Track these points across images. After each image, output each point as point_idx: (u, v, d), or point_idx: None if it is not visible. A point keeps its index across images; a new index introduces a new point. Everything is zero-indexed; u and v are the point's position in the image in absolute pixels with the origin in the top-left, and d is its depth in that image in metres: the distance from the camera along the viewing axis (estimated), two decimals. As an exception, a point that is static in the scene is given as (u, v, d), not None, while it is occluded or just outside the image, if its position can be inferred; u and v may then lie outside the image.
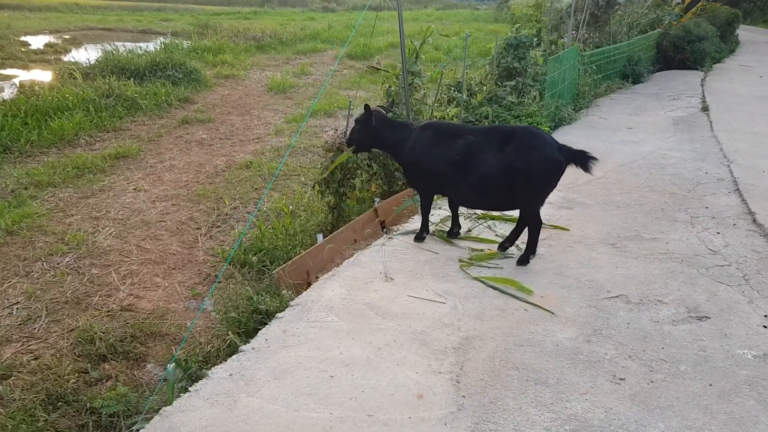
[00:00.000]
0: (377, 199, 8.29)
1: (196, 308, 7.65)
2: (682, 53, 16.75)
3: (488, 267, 5.31)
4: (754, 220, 6.43)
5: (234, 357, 4.02)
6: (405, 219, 6.84)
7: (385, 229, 8.24)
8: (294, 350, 4.07)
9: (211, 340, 6.09)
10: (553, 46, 12.71)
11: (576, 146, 5.10)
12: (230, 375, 3.81)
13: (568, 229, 6.13)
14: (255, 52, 21.32)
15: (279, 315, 4.51)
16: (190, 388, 3.69)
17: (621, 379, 3.84)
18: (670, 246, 5.78)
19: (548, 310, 4.61)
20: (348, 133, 8.35)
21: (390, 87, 9.00)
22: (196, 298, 7.66)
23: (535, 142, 5.02)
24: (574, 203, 6.75)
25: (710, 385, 3.82)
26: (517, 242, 5.65)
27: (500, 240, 5.81)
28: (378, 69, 10.33)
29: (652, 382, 3.83)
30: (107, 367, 5.89)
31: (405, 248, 5.67)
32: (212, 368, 3.91)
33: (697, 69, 16.40)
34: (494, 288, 4.94)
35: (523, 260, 5.37)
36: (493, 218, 6.32)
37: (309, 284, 7.54)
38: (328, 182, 8.24)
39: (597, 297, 4.83)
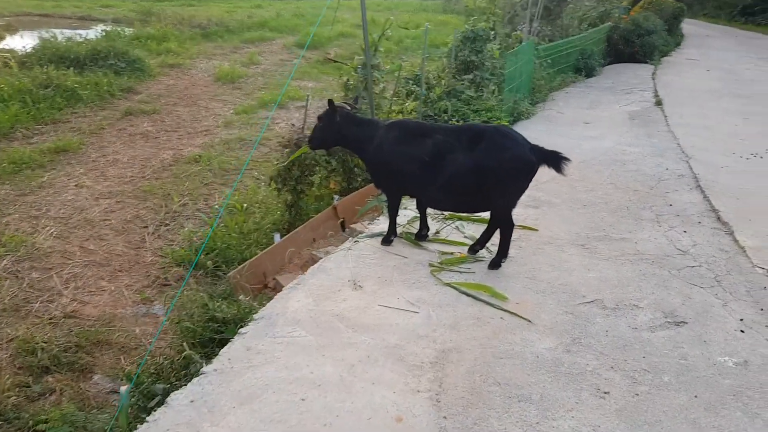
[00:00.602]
0: (336, 197, 8.04)
1: (146, 314, 7.29)
2: (632, 47, 16.91)
3: (460, 272, 5.12)
4: (718, 218, 6.41)
5: (195, 381, 3.72)
6: (370, 219, 6.58)
7: (345, 229, 8.01)
8: (260, 370, 3.79)
9: (165, 351, 5.75)
10: (509, 40, 12.60)
11: (536, 142, 4.96)
12: (191, 401, 3.51)
13: (537, 230, 5.99)
14: (201, 41, 20.67)
15: (242, 331, 4.21)
16: (147, 418, 3.38)
17: (605, 393, 3.70)
18: (639, 246, 5.69)
19: (525, 318, 4.44)
20: (304, 128, 8.10)
21: (348, 80, 8.71)
22: (145, 302, 7.29)
23: (507, 142, 4.84)
24: (540, 202, 6.62)
25: (695, 396, 3.71)
26: (487, 245, 5.47)
27: (470, 242, 5.62)
28: (335, 61, 10.04)
29: (637, 395, 3.69)
30: (51, 380, 5.51)
31: (372, 252, 5.43)
32: (172, 394, 3.59)
33: (646, 62, 16.58)
34: (468, 295, 4.74)
35: (495, 264, 5.19)
36: (460, 218, 6.13)
37: (266, 286, 7.28)
38: (285, 179, 7.93)
39: (572, 302, 4.69)
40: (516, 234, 5.79)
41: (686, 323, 4.47)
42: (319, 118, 5.49)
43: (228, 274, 6.99)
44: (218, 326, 5.13)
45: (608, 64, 16.29)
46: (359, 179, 8.52)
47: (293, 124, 8.23)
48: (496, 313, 4.50)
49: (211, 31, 22.88)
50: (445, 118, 9.64)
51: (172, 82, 15.89)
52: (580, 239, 5.81)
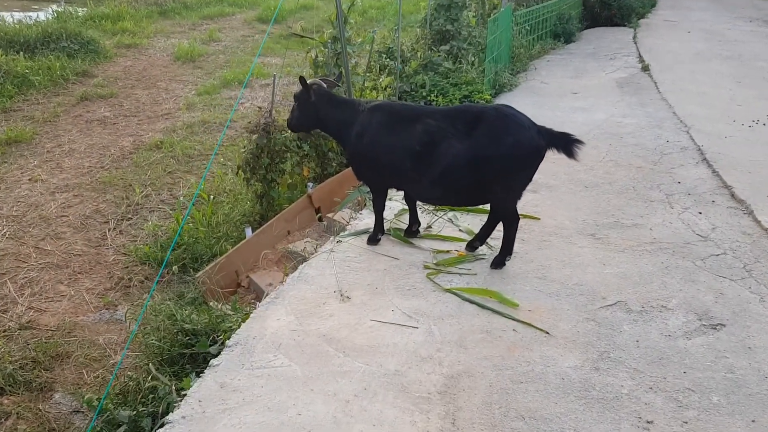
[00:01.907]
0: (311, 184, 7.42)
1: (110, 320, 6.63)
2: (609, 9, 16.26)
3: (459, 273, 4.49)
4: (733, 195, 5.86)
5: (159, 434, 3.05)
6: (351, 212, 5.91)
7: (322, 219, 7.37)
8: (238, 414, 3.13)
9: (131, 365, 5.16)
10: (486, 6, 11.89)
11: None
12: (154, 466, 2.85)
13: (539, 218, 5.38)
14: (158, 18, 19.57)
15: (214, 362, 3.52)
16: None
17: (649, 423, 3.12)
18: (654, 233, 5.11)
19: (541, 330, 3.83)
20: (272, 110, 7.38)
21: (317, 56, 7.96)
22: (109, 307, 6.61)
23: (510, 125, 4.19)
24: (538, 185, 5.99)
25: (753, 421, 3.14)
26: (488, 240, 4.84)
27: (466, 236, 5.00)
28: (301, 36, 9.27)
29: (686, 423, 3.12)
30: (6, 402, 4.95)
31: (358, 254, 4.76)
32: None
33: (624, 25, 15.96)
34: (472, 302, 4.12)
35: (499, 263, 4.58)
36: (452, 209, 5.48)
37: (239, 285, 6.65)
38: (254, 167, 7.24)
39: (592, 306, 4.09)
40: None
41: (724, 326, 3.90)
42: (295, 97, 4.84)
43: (197, 276, 6.39)
44: (188, 339, 4.54)
45: (585, 28, 15.65)
46: (334, 164, 7.88)
47: (260, 107, 7.48)
48: (508, 324, 3.89)
49: (168, 8, 21.76)
50: (423, 93, 8.96)
51: (129, 63, 14.94)
52: (589, 227, 5.21)
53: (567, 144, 4.22)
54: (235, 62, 15.11)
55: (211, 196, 8.13)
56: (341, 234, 5.11)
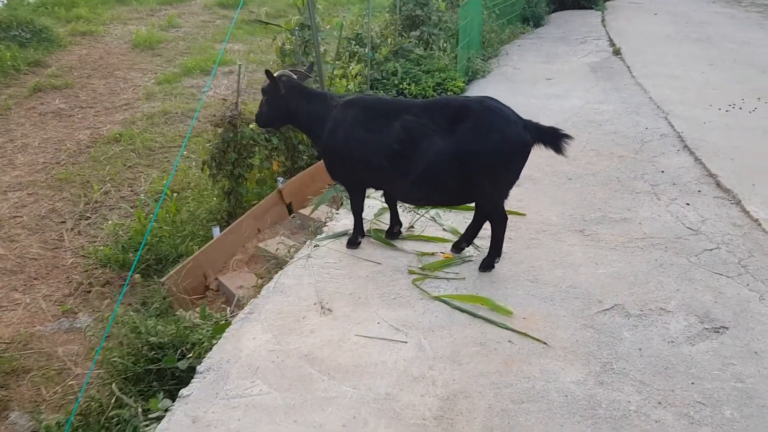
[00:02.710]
0: (281, 179, 7.11)
1: (70, 329, 6.27)
2: (576, -8, 16.12)
3: (446, 278, 4.22)
4: (718, 185, 5.70)
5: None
6: (328, 210, 5.59)
7: (294, 215, 7.07)
8: (214, 453, 2.82)
9: (94, 381, 4.82)
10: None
11: None
12: None
13: (525, 214, 5.14)
14: (114, 4, 18.83)
15: (185, 392, 3.19)
16: None
17: (662, 443, 2.89)
18: (644, 228, 4.91)
19: (539, 340, 3.59)
20: (238, 102, 7.01)
21: (284, 44, 7.57)
22: (68, 315, 6.27)
23: (495, 120, 3.91)
24: (521, 178, 5.59)
25: (770, 437, 2.94)
26: (475, 240, 4.58)
27: (450, 236, 4.74)
28: (265, 23, 8.87)
29: (701, 441, 2.90)
30: None
31: (337, 259, 4.46)
32: None
33: (591, 8, 15.79)
34: (462, 311, 3.85)
35: (487, 265, 4.32)
36: (434, 206, 5.20)
37: (208, 288, 6.33)
38: (220, 163, 6.88)
39: (589, 311, 3.86)
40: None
41: (727, 329, 3.71)
42: (263, 91, 4.50)
43: (162, 280, 6.05)
44: (154, 354, 4.22)
45: (553, 11, 15.43)
46: (305, 157, 7.56)
47: (225, 99, 7.10)
48: (502, 335, 3.64)
49: (124, -7, 21.08)
50: (395, 81, 8.64)
51: (84, 51, 14.32)
52: (577, 223, 4.99)
53: (555, 139, 3.96)
54: (195, 49, 14.63)
55: (175, 194, 7.74)
56: (318, 237, 4.79)
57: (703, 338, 3.62)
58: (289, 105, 4.42)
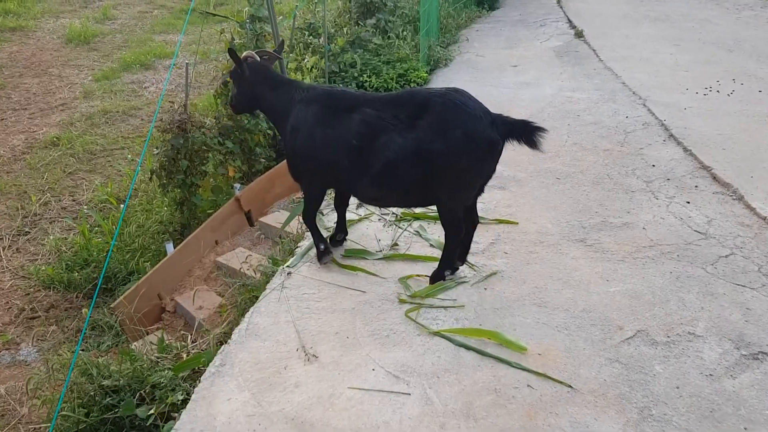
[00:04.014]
0: (238, 186, 6.49)
1: (12, 363, 5.65)
2: (527, -28, 15.70)
3: (443, 306, 3.69)
4: (715, 178, 5.31)
5: None
6: (299, 225, 4.99)
7: (254, 223, 6.50)
8: None
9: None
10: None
11: None
12: None
13: (516, 222, 4.64)
14: (44, -3, 17.75)
15: (149, 485, 2.59)
16: None
17: None
18: (650, 233, 4.47)
19: (562, 382, 3.09)
20: (186, 104, 6.37)
21: (233, 39, 6.89)
22: (9, 346, 5.57)
23: (459, 115, 3.43)
24: (505, 179, 5.26)
25: None
26: (466, 254, 4.07)
27: (439, 253, 4.20)
28: (214, 14, 8.18)
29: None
30: None
31: (316, 289, 3.88)
32: None
33: (544, -12, 15.44)
34: (469, 348, 3.33)
35: (437, 276, 3.91)
36: (418, 217, 4.67)
37: (164, 310, 5.77)
38: (171, 172, 6.21)
39: (611, 341, 3.39)
40: (493, 233, 4.44)
41: (766, 354, 3.28)
42: (230, 75, 4.21)
43: (113, 305, 5.44)
44: (109, 400, 3.66)
45: (505, -8, 15.00)
46: (262, 159, 6.94)
47: (172, 102, 6.40)
48: (519, 378, 3.13)
49: (54, -16, 19.83)
50: (354, 73, 8.04)
51: (15, 48, 13.30)
52: (576, 231, 4.52)
53: (527, 133, 3.48)
54: (134, 42, 13.76)
55: (122, 206, 7.02)
56: (290, 261, 4.19)
57: (744, 368, 3.19)
58: (254, 89, 4.07)
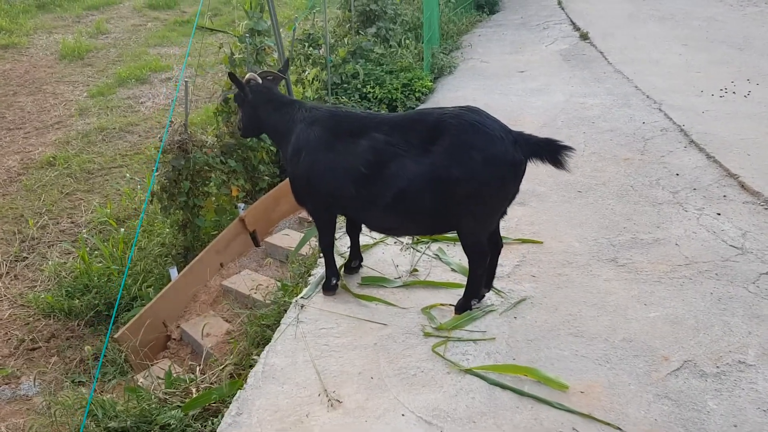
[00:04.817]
0: (242, 205, 6.26)
1: (12, 398, 5.46)
2: (525, -26, 15.50)
3: (472, 339, 3.43)
4: (743, 186, 5.08)
5: None
6: (287, 231, 4.73)
7: (260, 243, 6.28)
8: None
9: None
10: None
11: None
12: None
13: (541, 242, 4.39)
14: (36, 13, 17.43)
15: None
16: None
17: None
18: (683, 250, 4.23)
19: (610, 425, 2.83)
20: (186, 123, 6.14)
21: (233, 54, 6.65)
22: (9, 381, 5.29)
23: (478, 137, 3.20)
24: (526, 194, 5.01)
25: None
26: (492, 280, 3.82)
27: (462, 278, 3.96)
28: (211, 29, 7.95)
29: None
30: None
31: (334, 323, 3.62)
32: None
33: (542, -11, 15.23)
34: (504, 387, 3.08)
35: (463, 307, 3.65)
36: (435, 239, 4.42)
37: (169, 338, 5.57)
38: (172, 194, 5.98)
39: (657, 374, 3.14)
40: (518, 254, 4.20)
41: (827, 384, 3.04)
42: (234, 100, 4.12)
43: (116, 336, 5.22)
44: None
45: (504, -5, 14.78)
46: (266, 177, 6.70)
47: (172, 122, 6.15)
48: (562, 420, 2.87)
49: (46, 0, 19.60)
50: (357, 84, 7.81)
51: (8, 66, 13.09)
52: (605, 250, 4.27)
53: (553, 153, 3.28)
54: (128, 56, 13.55)
55: (122, 229, 6.77)
56: (304, 292, 3.94)
57: (804, 401, 2.94)
58: (258, 112, 3.88)
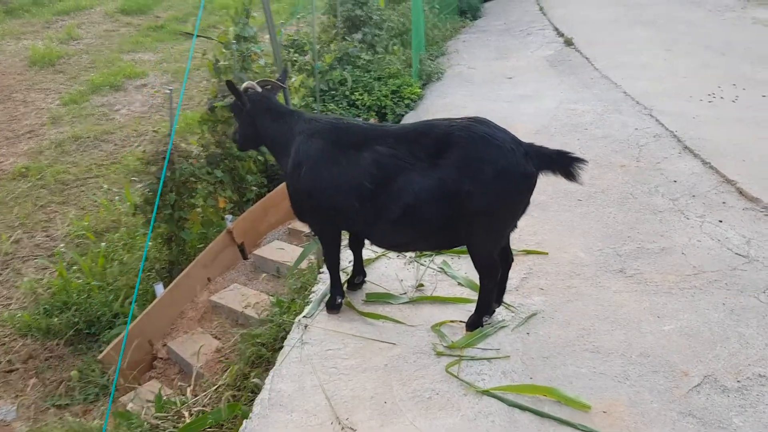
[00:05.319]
0: (229, 217, 6.09)
1: None
2: (504, -21, 15.48)
3: (486, 358, 3.32)
4: (741, 192, 5.04)
5: None
6: (303, 269, 4.58)
7: (248, 256, 6.13)
8: None
9: None
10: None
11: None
12: None
13: (546, 252, 4.31)
14: (3, 18, 17.03)
15: None
16: None
17: None
18: (690, 259, 4.17)
19: (636, 446, 2.74)
20: (172, 134, 5.96)
21: (218, 61, 6.48)
22: (-14, 404, 5.06)
23: (488, 149, 3.10)
24: (525, 203, 4.92)
25: None
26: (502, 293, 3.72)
27: (470, 293, 3.87)
28: (192, 34, 7.76)
29: None
30: None
31: (341, 343, 3.49)
32: None
33: (523, -5, 15.23)
34: (523, 408, 2.97)
35: (474, 323, 3.54)
36: (440, 252, 4.30)
37: (156, 357, 5.40)
38: (157, 207, 5.77)
39: (678, 391, 3.05)
40: (525, 266, 4.10)
41: None
42: (231, 109, 4.00)
43: (100, 357, 5.05)
44: None
45: (486, 0, 14.71)
46: (254, 188, 6.55)
47: (155, 131, 5.97)
48: (587, 442, 2.78)
49: (14, 5, 19.13)
50: (345, 92, 7.68)
51: (-25, 74, 12.83)
52: (612, 260, 4.19)
53: (564, 165, 3.22)
54: (101, 62, 13.23)
55: (103, 243, 6.56)
56: (306, 311, 3.79)
57: (830, 416, 2.88)
58: (255, 123, 3.71)
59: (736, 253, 4.21)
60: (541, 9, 13.17)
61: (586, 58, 9.27)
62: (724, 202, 4.92)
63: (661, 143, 6.08)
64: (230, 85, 3.60)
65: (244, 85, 3.73)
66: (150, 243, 6.36)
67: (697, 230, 4.52)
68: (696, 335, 3.43)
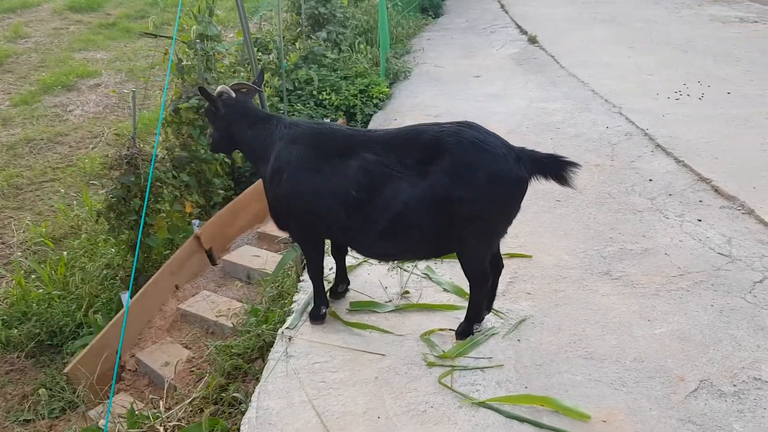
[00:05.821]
0: (196, 222, 5.88)
1: None
2: (463, -24, 15.46)
3: (479, 367, 3.22)
4: (717, 191, 5.07)
5: None
6: (282, 277, 4.41)
7: (217, 262, 5.93)
8: None
9: None
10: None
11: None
12: None
13: (530, 256, 4.24)
14: (-54, 16, 16.42)
15: None
16: None
17: None
18: (674, 259, 4.14)
19: (640, 457, 2.67)
20: (135, 136, 5.74)
21: (182, 61, 6.25)
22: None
23: (479, 155, 3.00)
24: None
25: None
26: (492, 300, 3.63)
27: (458, 300, 3.78)
28: (151, 35, 7.49)
29: None
30: None
31: (328, 356, 3.34)
32: None
33: (483, -8, 15.24)
34: (521, 419, 2.87)
35: (464, 332, 3.44)
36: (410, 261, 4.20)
37: (123, 368, 5.21)
38: (121, 213, 5.57)
39: (676, 396, 3.00)
40: (510, 270, 4.03)
41: None
42: (205, 114, 3.75)
43: (65, 371, 4.82)
44: None
45: (443, -2, 14.69)
46: (221, 191, 6.34)
47: (117, 135, 5.71)
48: (590, 454, 2.70)
49: (-45, 4, 18.43)
50: (312, 91, 7.51)
51: None
52: (596, 262, 4.14)
53: (557, 169, 3.17)
54: (52, 61, 12.75)
55: (64, 252, 6.27)
56: (289, 322, 3.64)
57: (828, 419, 2.86)
58: (231, 128, 3.54)
59: (719, 253, 4.20)
60: (502, 6, 13.20)
61: (552, 56, 9.28)
62: (701, 201, 4.93)
63: (634, 142, 6.09)
64: (203, 90, 3.43)
65: (218, 89, 3.54)
66: (113, 250, 6.14)
67: (677, 230, 4.51)
68: (688, 338, 3.39)
